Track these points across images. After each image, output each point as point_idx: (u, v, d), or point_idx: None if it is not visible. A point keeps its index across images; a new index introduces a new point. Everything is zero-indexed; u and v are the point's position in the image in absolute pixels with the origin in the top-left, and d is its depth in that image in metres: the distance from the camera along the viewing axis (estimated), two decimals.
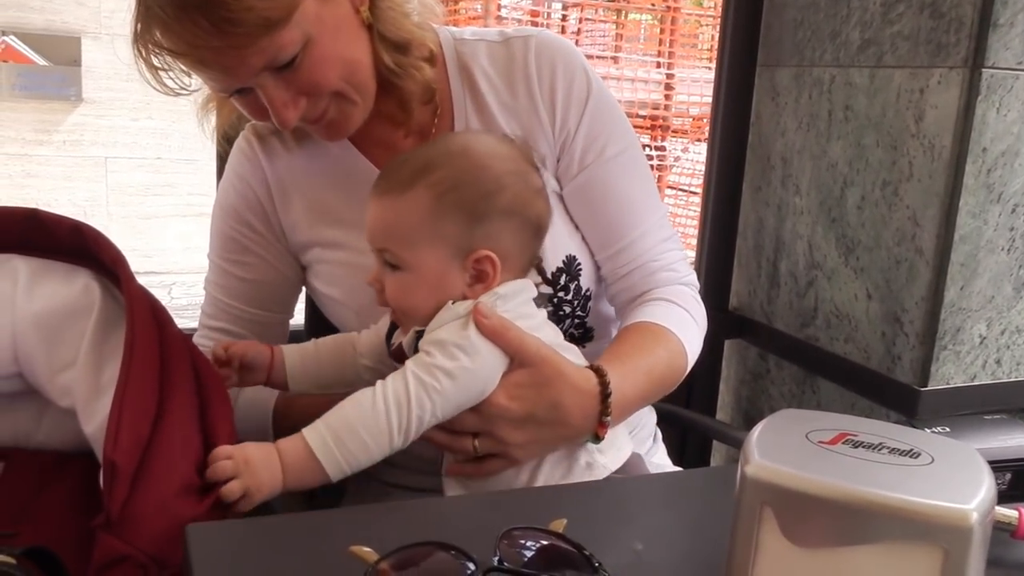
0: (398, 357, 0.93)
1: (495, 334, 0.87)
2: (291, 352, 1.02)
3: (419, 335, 0.89)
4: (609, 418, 0.92)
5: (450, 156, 0.90)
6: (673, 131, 7.40)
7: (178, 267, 5.71)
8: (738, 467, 0.50)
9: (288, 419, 1.07)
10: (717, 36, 1.75)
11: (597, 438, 0.93)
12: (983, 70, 1.30)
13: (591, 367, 0.94)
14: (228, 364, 1.00)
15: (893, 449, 0.51)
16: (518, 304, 0.92)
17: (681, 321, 1.08)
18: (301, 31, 0.92)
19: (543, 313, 0.96)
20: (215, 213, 1.17)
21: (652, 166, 7.22)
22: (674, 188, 6.93)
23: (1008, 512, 0.73)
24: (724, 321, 1.79)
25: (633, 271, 1.11)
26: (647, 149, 7.24)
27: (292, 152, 1.13)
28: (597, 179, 1.09)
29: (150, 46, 0.95)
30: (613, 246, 1.11)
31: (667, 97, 7.04)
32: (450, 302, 0.89)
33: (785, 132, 1.65)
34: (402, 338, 0.93)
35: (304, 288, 1.20)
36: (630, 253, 1.10)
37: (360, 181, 1.08)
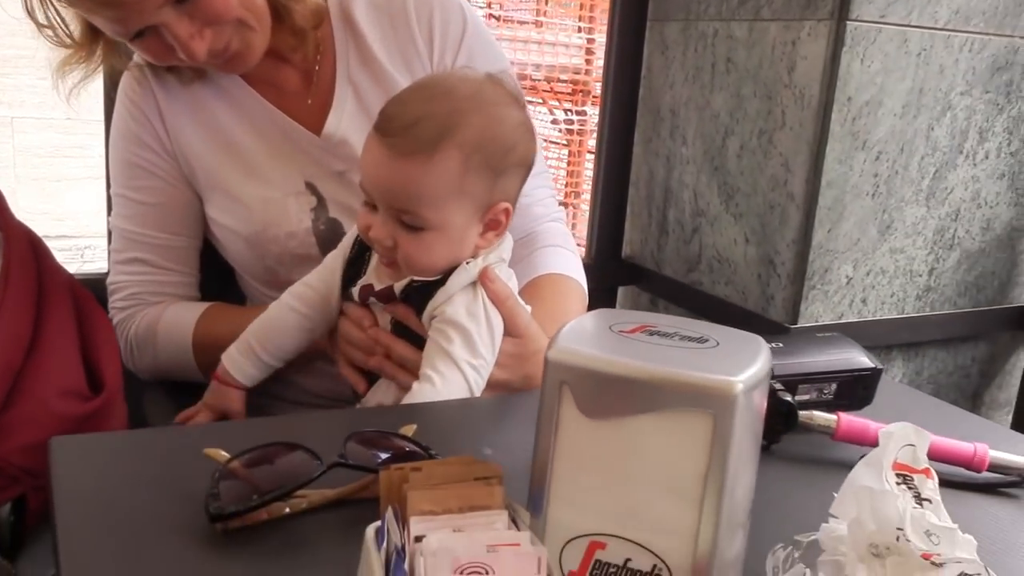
0: (367, 298, 0.94)
1: (498, 300, 0.92)
2: (229, 356, 1.00)
3: (416, 286, 0.90)
4: None
5: (464, 112, 0.88)
6: (594, 96, 7.45)
7: (91, 231, 5.57)
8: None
9: (207, 354, 1.09)
10: None
11: None
12: (848, 22, 1.37)
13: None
14: None
15: (685, 336, 0.56)
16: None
17: (575, 266, 1.17)
18: None
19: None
20: (113, 144, 1.18)
21: (573, 131, 7.29)
22: (593, 153, 6.99)
23: (828, 417, 0.81)
24: (618, 270, 1.86)
25: None
26: (569, 114, 7.30)
27: (185, 86, 1.15)
28: None
29: None
30: None
31: (588, 62, 7.08)
32: (464, 262, 0.91)
33: (674, 84, 1.71)
34: (388, 283, 0.93)
35: None
36: None
37: (252, 113, 1.12)
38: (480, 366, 0.89)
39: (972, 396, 1.74)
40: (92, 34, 1.05)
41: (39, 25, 1.00)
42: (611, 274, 1.86)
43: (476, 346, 0.89)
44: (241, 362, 0.98)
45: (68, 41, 1.04)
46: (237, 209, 1.13)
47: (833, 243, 1.47)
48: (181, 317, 1.13)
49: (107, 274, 1.34)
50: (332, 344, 1.01)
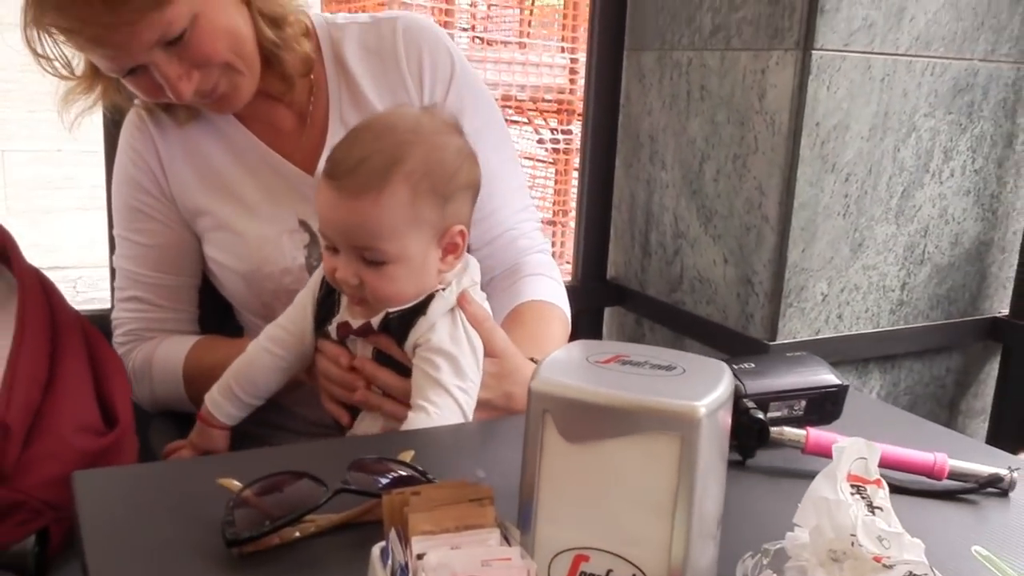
0: (346, 336, 0.98)
1: (476, 321, 0.97)
2: (211, 397, 1.04)
3: (392, 317, 0.94)
4: None
5: (406, 144, 0.92)
6: (579, 115, 7.52)
7: (82, 261, 5.61)
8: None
9: (195, 385, 1.15)
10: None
11: None
12: (813, 52, 1.44)
13: (533, 360, 1.04)
14: None
15: (655, 365, 0.62)
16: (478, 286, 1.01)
17: (558, 294, 1.22)
18: (188, 7, 1.00)
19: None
20: (115, 188, 1.24)
21: (559, 149, 7.37)
22: (577, 169, 7.06)
23: (798, 432, 0.87)
24: (603, 291, 1.92)
25: (496, 239, 1.22)
26: (555, 133, 7.38)
27: (182, 126, 1.20)
28: None
29: (42, 29, 1.01)
30: (475, 214, 1.22)
31: (572, 82, 7.16)
32: (440, 290, 0.95)
33: (651, 111, 1.78)
34: (364, 319, 0.96)
35: None
36: (492, 222, 1.21)
37: (245, 152, 1.18)
38: (469, 388, 0.94)
39: (949, 405, 1.81)
40: (93, 69, 1.11)
41: (37, 56, 1.05)
42: (597, 295, 1.92)
43: (463, 370, 0.94)
44: (222, 403, 1.02)
45: (66, 73, 1.09)
46: (233, 247, 1.18)
47: (808, 262, 1.53)
48: (173, 350, 1.19)
49: (110, 310, 1.40)
50: (311, 378, 1.05)
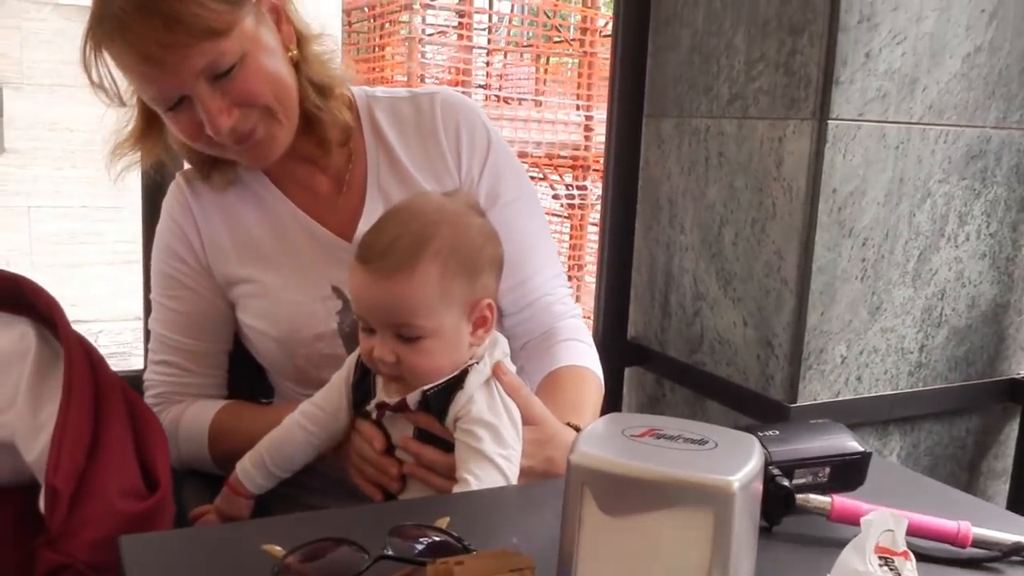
0: (383, 415, 1.02)
1: (512, 390, 1.01)
2: (243, 466, 1.07)
3: (430, 393, 0.98)
4: None
5: (433, 224, 0.97)
6: (594, 170, 7.62)
7: (105, 315, 5.68)
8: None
9: (218, 447, 1.20)
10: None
11: None
12: (829, 121, 1.48)
13: (570, 424, 1.09)
14: None
15: (688, 439, 0.65)
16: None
17: (592, 358, 1.28)
18: (239, 44, 1.05)
19: None
20: (153, 255, 1.29)
21: (574, 204, 7.46)
22: (596, 225, 7.13)
23: (823, 499, 0.89)
24: (624, 350, 1.95)
25: (531, 304, 1.27)
26: (570, 189, 7.47)
27: (218, 193, 1.25)
28: (498, 222, 1.23)
29: (101, 47, 1.06)
30: (510, 281, 1.24)
31: (587, 138, 7.27)
32: (474, 364, 0.99)
33: (670, 176, 1.82)
34: (399, 396, 1.00)
35: None
36: (527, 288, 1.26)
37: (281, 218, 1.23)
38: (511, 455, 0.97)
39: (969, 467, 1.81)
40: (142, 125, 1.16)
41: (91, 83, 1.10)
42: (618, 355, 1.95)
43: (504, 438, 0.97)
44: (253, 473, 1.06)
45: (117, 103, 1.13)
46: (267, 314, 1.22)
47: (827, 325, 1.56)
48: (200, 414, 1.23)
49: (143, 370, 1.44)
50: (337, 455, 1.08)
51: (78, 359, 1.03)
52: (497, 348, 1.03)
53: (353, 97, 1.25)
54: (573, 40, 8.19)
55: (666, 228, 1.84)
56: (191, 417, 1.23)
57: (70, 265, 5.80)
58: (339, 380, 1.07)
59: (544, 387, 1.20)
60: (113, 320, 5.64)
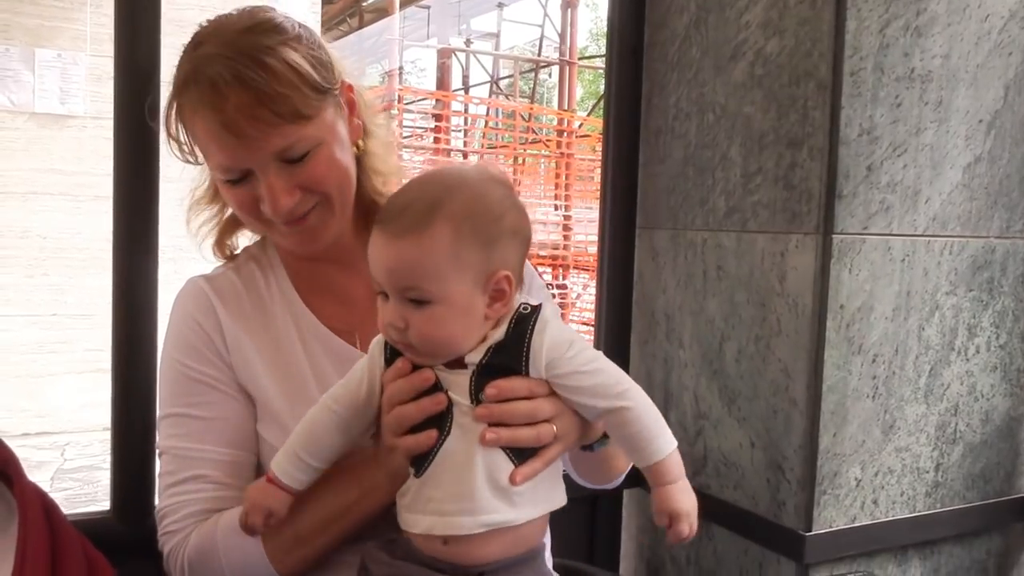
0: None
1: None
2: (279, 466, 1.03)
3: (495, 347, 0.96)
4: None
5: (451, 189, 0.96)
6: (574, 268, 7.63)
7: (72, 426, 5.49)
8: None
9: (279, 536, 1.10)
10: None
11: (606, 436, 1.06)
12: (833, 236, 1.43)
13: None
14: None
15: None
16: None
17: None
18: (318, 132, 1.07)
19: None
20: (167, 364, 1.18)
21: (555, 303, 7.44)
22: (576, 323, 7.09)
23: None
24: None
25: None
26: (551, 288, 7.46)
27: (241, 302, 1.18)
28: None
29: (184, 107, 1.06)
30: None
31: (566, 237, 7.30)
32: (524, 305, 0.98)
33: (666, 289, 1.76)
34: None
35: None
36: None
37: (308, 339, 1.17)
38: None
39: None
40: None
41: (169, 136, 1.11)
42: None
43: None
44: (289, 469, 1.02)
45: (191, 159, 1.13)
46: (288, 431, 1.12)
47: (840, 447, 1.48)
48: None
49: (107, 512, 1.31)
50: (376, 439, 1.05)
51: (33, 517, 0.93)
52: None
53: None
54: (549, 141, 8.29)
55: (663, 343, 1.77)
56: (231, 520, 1.08)
57: (37, 375, 5.64)
58: (362, 364, 1.03)
59: None
60: (81, 431, 5.46)
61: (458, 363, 0.96)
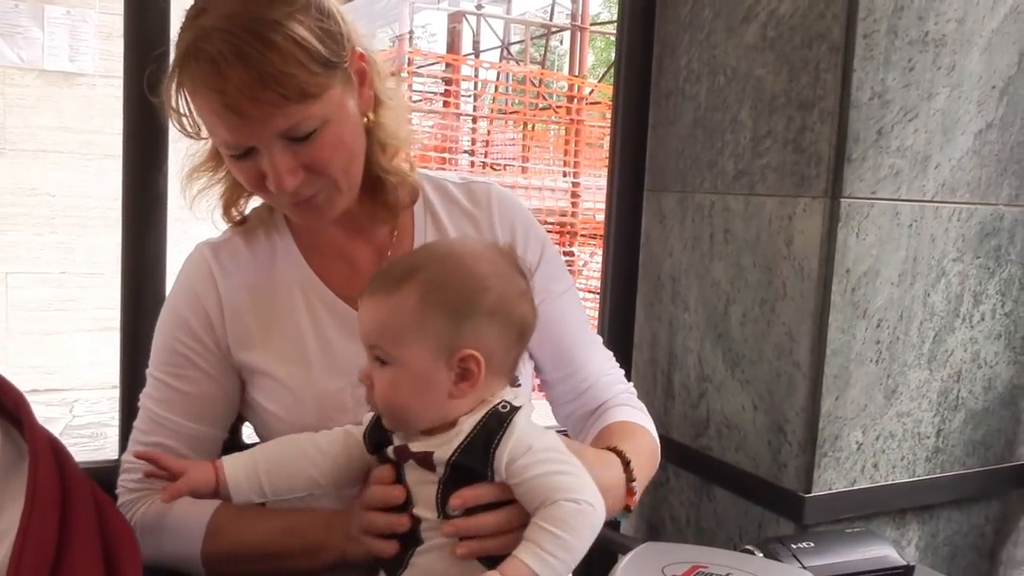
0: (406, 459, 0.96)
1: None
2: (233, 469, 1.03)
3: (461, 449, 0.92)
4: (636, 483, 1.07)
5: (436, 259, 0.97)
6: (582, 235, 7.61)
7: (81, 383, 5.53)
8: None
9: (217, 546, 1.12)
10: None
11: (628, 509, 1.05)
12: (841, 200, 1.43)
13: (615, 449, 1.09)
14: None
15: None
16: None
17: (647, 421, 1.27)
18: (325, 110, 1.03)
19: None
20: (161, 326, 1.20)
21: None
22: (583, 291, 7.09)
23: None
24: None
25: (590, 387, 1.28)
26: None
27: (245, 269, 1.18)
28: (552, 314, 1.21)
29: (184, 83, 1.02)
30: (566, 368, 1.27)
31: (574, 204, 7.27)
32: (500, 404, 0.94)
33: (672, 252, 1.76)
34: (423, 448, 0.94)
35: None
36: (582, 374, 1.28)
37: (312, 303, 1.17)
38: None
39: (989, 556, 1.73)
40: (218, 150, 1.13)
41: (171, 109, 1.06)
42: None
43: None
44: (243, 484, 1.02)
45: (193, 132, 1.09)
46: (291, 404, 1.15)
47: (842, 410, 1.49)
48: (194, 508, 1.13)
49: (115, 462, 1.33)
50: (348, 509, 1.04)
51: (44, 460, 0.94)
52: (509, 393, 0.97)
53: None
54: (559, 107, 8.25)
55: (668, 306, 1.78)
56: (182, 510, 1.13)
57: (46, 332, 5.68)
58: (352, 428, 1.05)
59: (597, 441, 1.19)
60: (90, 389, 5.50)
61: (426, 460, 0.94)
